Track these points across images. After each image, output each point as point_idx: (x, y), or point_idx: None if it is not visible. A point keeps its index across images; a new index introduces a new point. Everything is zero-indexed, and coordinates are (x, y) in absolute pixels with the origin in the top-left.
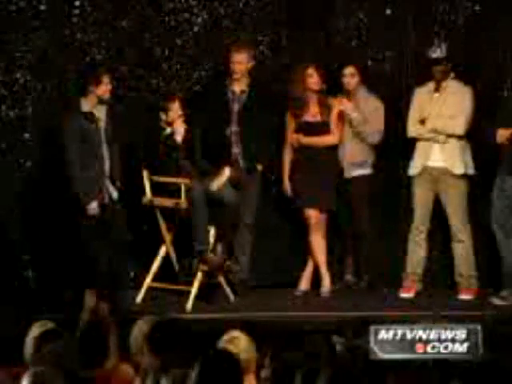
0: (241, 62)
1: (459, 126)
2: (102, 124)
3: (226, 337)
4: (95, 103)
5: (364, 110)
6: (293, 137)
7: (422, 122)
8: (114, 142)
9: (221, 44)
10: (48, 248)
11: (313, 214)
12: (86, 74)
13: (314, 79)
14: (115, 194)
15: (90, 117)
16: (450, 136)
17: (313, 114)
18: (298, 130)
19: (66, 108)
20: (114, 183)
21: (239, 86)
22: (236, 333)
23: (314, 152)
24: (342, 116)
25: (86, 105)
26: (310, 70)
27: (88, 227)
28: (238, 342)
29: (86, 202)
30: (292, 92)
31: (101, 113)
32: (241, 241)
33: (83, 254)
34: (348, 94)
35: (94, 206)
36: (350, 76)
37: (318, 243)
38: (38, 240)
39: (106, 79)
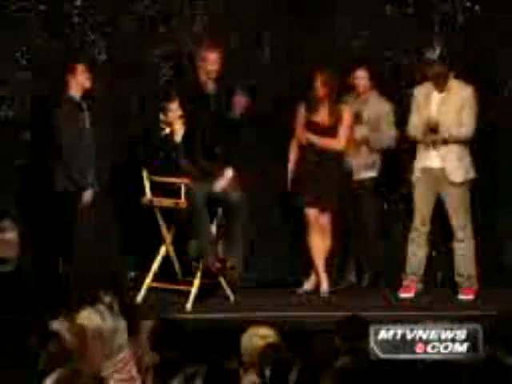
0: (212, 62)
1: (467, 127)
2: (87, 121)
3: (259, 332)
4: (80, 92)
5: (375, 114)
6: (302, 134)
7: (434, 130)
8: (98, 139)
9: (221, 44)
10: (43, 244)
11: (312, 214)
12: (64, 66)
13: (322, 87)
14: (97, 188)
15: (79, 110)
16: (454, 138)
17: (321, 116)
18: (305, 131)
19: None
20: (97, 178)
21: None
22: (267, 329)
23: (318, 152)
24: (351, 123)
25: (73, 94)
26: (319, 78)
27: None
28: (270, 338)
29: (83, 186)
30: (307, 93)
31: (86, 108)
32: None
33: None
34: (358, 96)
35: (89, 194)
36: (360, 78)
37: (315, 243)
38: (36, 239)
39: (80, 67)
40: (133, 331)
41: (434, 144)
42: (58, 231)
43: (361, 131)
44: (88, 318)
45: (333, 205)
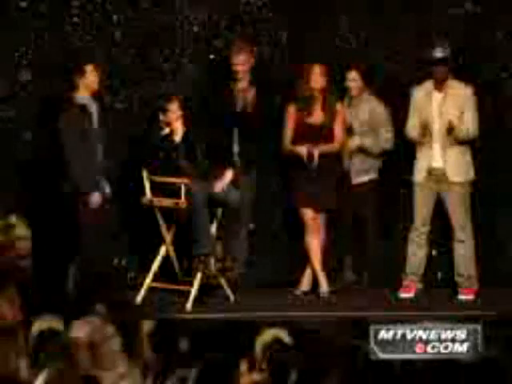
0: (242, 63)
1: (472, 127)
2: (96, 123)
3: (269, 332)
4: (88, 97)
5: (368, 116)
6: (292, 136)
7: (451, 130)
8: (107, 140)
9: (221, 44)
10: (46, 246)
11: (309, 214)
12: (70, 67)
13: (317, 78)
14: (108, 189)
15: (86, 113)
16: (457, 137)
17: (316, 116)
18: (299, 132)
19: (61, 106)
20: (107, 178)
21: (241, 85)
22: (279, 331)
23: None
24: (345, 122)
25: (80, 98)
26: (316, 70)
27: (83, 225)
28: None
29: (89, 190)
30: (298, 91)
31: (94, 110)
32: (238, 241)
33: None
34: (351, 98)
35: (96, 197)
36: (352, 80)
37: (313, 243)
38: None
39: (89, 68)
40: (130, 346)
41: (446, 144)
42: (61, 232)
43: (354, 141)
44: (79, 329)
45: (331, 205)
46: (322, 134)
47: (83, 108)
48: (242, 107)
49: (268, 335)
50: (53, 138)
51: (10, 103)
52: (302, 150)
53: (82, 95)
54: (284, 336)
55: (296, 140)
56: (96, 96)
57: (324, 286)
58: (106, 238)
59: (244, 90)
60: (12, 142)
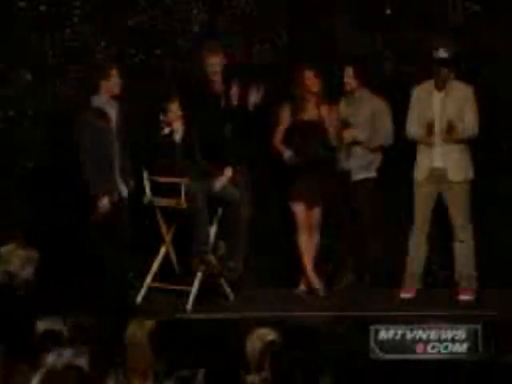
0: (214, 63)
1: (473, 127)
2: (114, 121)
3: (259, 332)
4: (106, 99)
5: (368, 113)
6: (282, 135)
7: (451, 129)
8: (126, 140)
9: (220, 44)
10: (54, 247)
11: (300, 211)
12: (95, 70)
13: (311, 82)
14: (125, 192)
15: (102, 114)
16: (459, 137)
17: (310, 114)
18: (293, 129)
19: (78, 107)
20: (125, 181)
21: (217, 86)
22: (267, 330)
23: (309, 151)
24: (338, 118)
25: (98, 101)
26: (308, 73)
27: (96, 225)
28: (269, 338)
29: (97, 198)
30: (292, 90)
31: (112, 110)
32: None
33: (90, 252)
34: (351, 95)
35: (105, 202)
36: (349, 77)
37: (304, 242)
38: (44, 238)
39: (114, 72)
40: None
41: (446, 144)
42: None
43: (349, 133)
44: None
45: (324, 200)
46: (317, 130)
47: (100, 110)
48: (225, 107)
49: (257, 336)
50: (68, 140)
51: (10, 103)
52: (286, 153)
53: (101, 97)
54: (274, 336)
55: (292, 137)
56: (115, 97)
57: (316, 283)
58: (114, 239)
59: (224, 90)
60: (12, 142)
